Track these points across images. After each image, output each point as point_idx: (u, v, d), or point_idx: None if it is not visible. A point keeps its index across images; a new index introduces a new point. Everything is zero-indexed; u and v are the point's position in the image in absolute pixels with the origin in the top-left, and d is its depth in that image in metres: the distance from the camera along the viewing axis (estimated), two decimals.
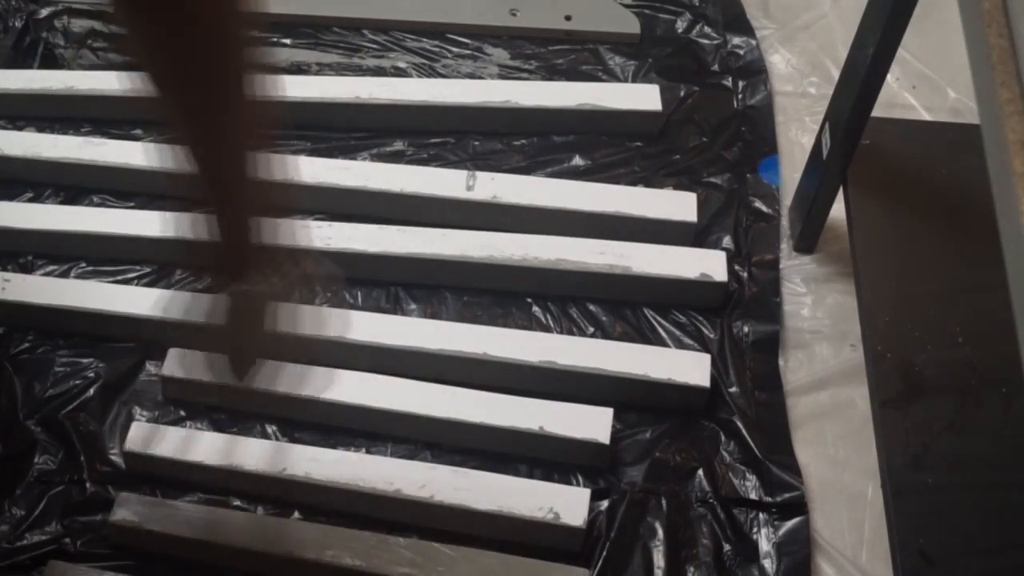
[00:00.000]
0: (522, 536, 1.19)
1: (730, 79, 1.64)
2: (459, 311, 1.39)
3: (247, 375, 1.07)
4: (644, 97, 1.57)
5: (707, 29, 1.70)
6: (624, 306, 1.39)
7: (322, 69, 1.66)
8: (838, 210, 1.39)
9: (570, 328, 1.38)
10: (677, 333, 1.37)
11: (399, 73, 1.65)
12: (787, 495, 1.24)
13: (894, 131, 1.42)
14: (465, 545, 1.18)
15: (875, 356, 1.23)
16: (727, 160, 1.55)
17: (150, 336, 1.35)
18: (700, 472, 1.26)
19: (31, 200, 1.51)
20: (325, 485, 1.22)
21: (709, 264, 1.38)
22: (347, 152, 1.55)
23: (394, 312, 1.39)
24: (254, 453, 1.24)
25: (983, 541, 1.12)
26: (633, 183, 1.51)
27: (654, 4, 1.74)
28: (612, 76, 1.65)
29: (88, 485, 1.25)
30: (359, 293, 1.41)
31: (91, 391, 1.32)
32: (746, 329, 1.38)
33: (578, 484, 1.25)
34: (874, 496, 1.25)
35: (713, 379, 1.30)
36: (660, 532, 1.22)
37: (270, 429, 1.29)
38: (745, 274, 1.43)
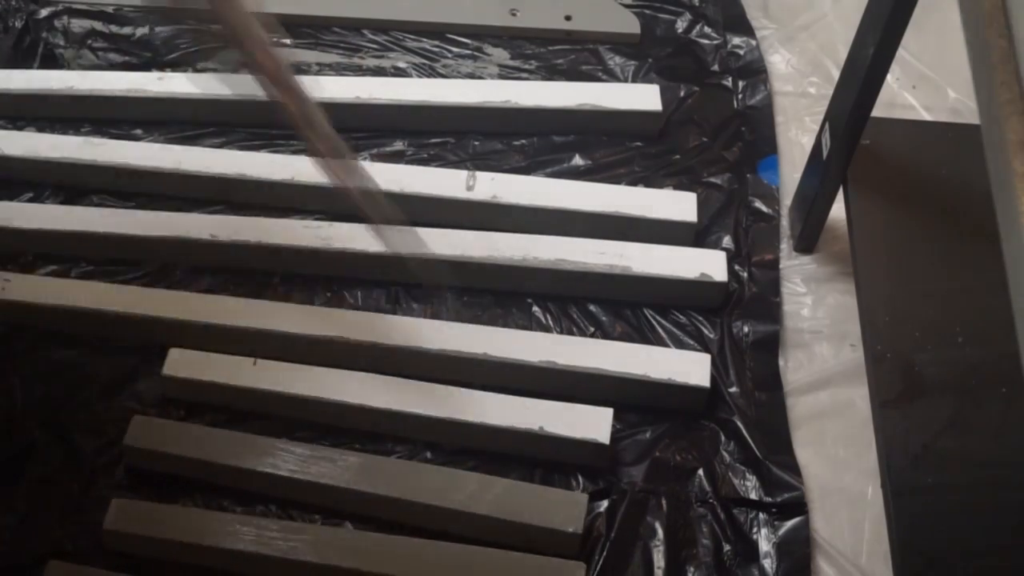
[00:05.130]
0: (518, 540, 1.19)
1: (730, 79, 1.64)
2: (459, 311, 1.39)
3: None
4: (644, 97, 1.57)
5: (707, 29, 1.70)
6: (624, 306, 1.39)
7: (322, 69, 1.66)
8: (838, 210, 1.39)
9: (570, 328, 1.38)
10: (677, 333, 1.37)
11: (399, 73, 1.65)
12: (787, 495, 1.24)
13: (894, 131, 1.42)
14: None
15: (875, 356, 1.23)
16: (727, 160, 1.55)
17: (150, 336, 1.35)
18: (700, 472, 1.26)
19: (31, 200, 1.51)
20: (324, 485, 1.22)
21: (709, 264, 1.38)
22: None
23: (394, 312, 1.39)
24: (254, 452, 1.24)
25: (983, 541, 1.12)
26: (633, 183, 1.51)
27: (654, 4, 1.74)
28: (612, 76, 1.65)
29: (88, 485, 1.25)
30: (359, 293, 1.41)
31: (91, 391, 1.32)
32: (746, 329, 1.38)
33: (578, 484, 1.25)
34: (874, 496, 1.25)
35: (713, 379, 1.30)
36: (660, 532, 1.22)
37: (269, 428, 1.29)
38: (745, 274, 1.43)
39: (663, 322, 1.38)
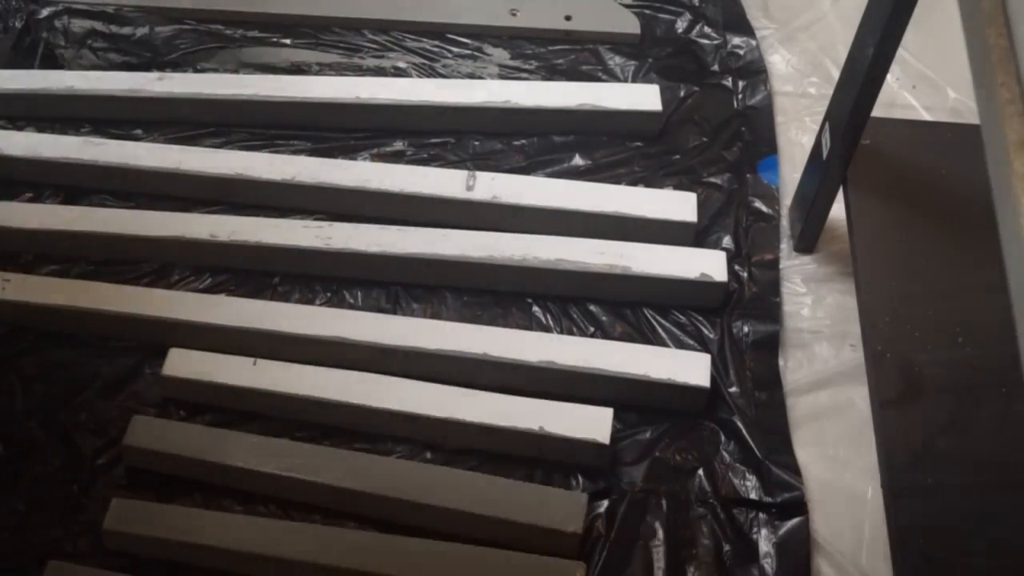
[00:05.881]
0: (518, 540, 1.19)
1: (730, 79, 1.64)
2: (459, 311, 1.39)
3: None
4: (644, 97, 1.57)
5: (707, 29, 1.70)
6: (624, 306, 1.39)
7: (322, 69, 1.66)
8: (838, 210, 1.39)
9: (570, 328, 1.38)
10: (677, 333, 1.37)
11: (399, 73, 1.65)
12: (787, 495, 1.24)
13: (894, 131, 1.42)
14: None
15: (875, 356, 1.23)
16: (727, 160, 1.55)
17: (150, 336, 1.35)
18: (700, 472, 1.26)
19: (31, 200, 1.51)
20: (324, 485, 1.22)
21: (709, 264, 1.38)
22: (347, 152, 1.55)
23: (394, 312, 1.39)
24: (254, 452, 1.24)
25: (983, 541, 1.12)
26: (633, 183, 1.51)
27: (654, 4, 1.74)
28: (612, 76, 1.65)
29: (88, 485, 1.25)
30: (359, 293, 1.41)
31: (91, 391, 1.32)
32: (746, 329, 1.38)
33: (578, 484, 1.25)
34: (874, 496, 1.25)
35: (713, 379, 1.30)
36: (660, 532, 1.22)
37: (269, 428, 1.29)
38: (745, 274, 1.43)
39: (663, 322, 1.38)
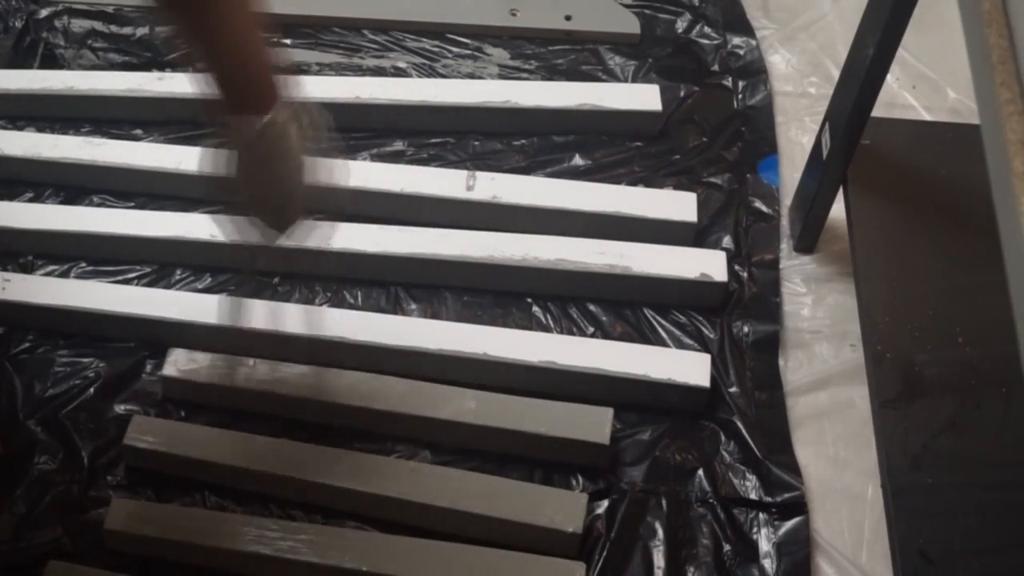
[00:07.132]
0: (518, 540, 1.19)
1: (730, 79, 1.64)
2: (459, 311, 1.39)
3: (284, 229, 1.12)
4: (644, 97, 1.57)
5: (707, 29, 1.70)
6: (624, 306, 1.39)
7: (322, 69, 1.66)
8: (838, 210, 1.39)
9: (570, 328, 1.38)
10: (677, 333, 1.37)
11: (399, 73, 1.65)
12: (787, 495, 1.24)
13: (894, 131, 1.42)
14: None
15: (875, 356, 1.23)
16: (727, 160, 1.55)
17: (150, 336, 1.35)
18: (700, 472, 1.26)
19: (31, 200, 1.51)
20: (324, 485, 1.22)
21: (709, 264, 1.38)
22: (347, 152, 1.55)
23: (394, 312, 1.39)
24: (254, 452, 1.24)
25: (983, 541, 1.12)
26: (633, 183, 1.51)
27: (654, 4, 1.74)
28: (612, 76, 1.65)
29: (88, 485, 1.25)
30: (359, 293, 1.41)
31: (91, 391, 1.32)
32: (746, 329, 1.38)
33: (578, 484, 1.25)
34: (874, 496, 1.25)
35: (713, 379, 1.30)
36: (660, 532, 1.22)
37: (269, 428, 1.29)
38: (745, 274, 1.43)
39: (663, 322, 1.38)
